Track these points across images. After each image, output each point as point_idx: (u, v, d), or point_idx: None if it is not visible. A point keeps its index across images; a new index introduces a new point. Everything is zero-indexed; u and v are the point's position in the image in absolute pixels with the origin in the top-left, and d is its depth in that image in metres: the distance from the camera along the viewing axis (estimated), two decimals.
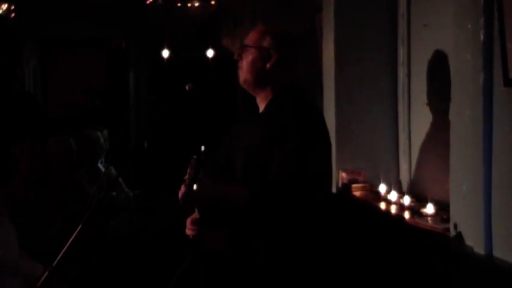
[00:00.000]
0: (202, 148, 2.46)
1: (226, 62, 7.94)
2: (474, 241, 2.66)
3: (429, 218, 3.28)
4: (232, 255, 2.52)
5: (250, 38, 2.65)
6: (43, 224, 4.22)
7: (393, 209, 3.65)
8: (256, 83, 2.61)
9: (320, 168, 2.46)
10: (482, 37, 2.59)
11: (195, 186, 2.40)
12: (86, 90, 8.94)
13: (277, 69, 2.58)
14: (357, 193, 4.06)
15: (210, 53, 7.91)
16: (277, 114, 2.52)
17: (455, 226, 2.79)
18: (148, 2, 7.91)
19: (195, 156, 2.44)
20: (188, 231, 2.58)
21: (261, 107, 2.66)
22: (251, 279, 2.50)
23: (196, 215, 2.55)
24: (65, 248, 2.36)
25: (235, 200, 2.44)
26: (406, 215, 3.47)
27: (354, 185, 4.10)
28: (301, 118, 2.46)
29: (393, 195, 3.79)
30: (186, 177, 2.44)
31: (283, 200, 2.35)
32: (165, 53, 7.98)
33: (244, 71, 2.63)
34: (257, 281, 2.49)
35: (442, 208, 3.29)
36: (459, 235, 2.75)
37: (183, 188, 2.46)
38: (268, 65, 2.58)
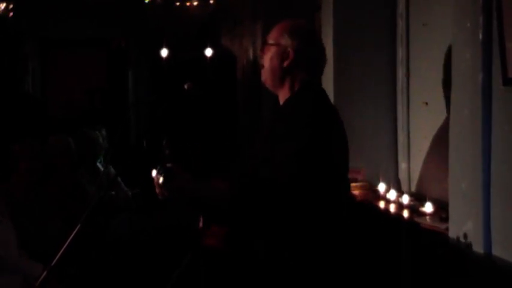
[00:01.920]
0: (164, 143, 2.46)
1: (226, 61, 7.97)
2: (473, 240, 2.66)
3: (428, 217, 3.29)
4: (232, 255, 2.51)
5: (271, 35, 2.64)
6: (43, 224, 4.22)
7: (392, 207, 3.66)
8: (275, 81, 2.61)
9: (325, 169, 2.43)
10: (481, 36, 2.59)
11: (160, 179, 2.40)
12: (86, 90, 8.95)
13: (294, 67, 2.57)
14: (356, 192, 4.06)
15: (208, 52, 7.91)
16: (289, 113, 2.52)
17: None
18: (146, 1, 7.91)
19: (160, 151, 2.45)
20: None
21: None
22: (251, 279, 2.50)
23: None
24: (64, 248, 2.36)
25: (216, 198, 2.43)
26: (405, 213, 3.48)
27: (353, 184, 4.09)
28: (308, 118, 2.45)
29: (392, 194, 3.80)
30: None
31: (266, 199, 2.34)
32: (164, 53, 7.98)
33: (264, 69, 2.63)
34: (257, 281, 2.49)
35: (441, 207, 3.29)
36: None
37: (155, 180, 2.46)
38: (285, 64, 2.57)
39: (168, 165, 2.43)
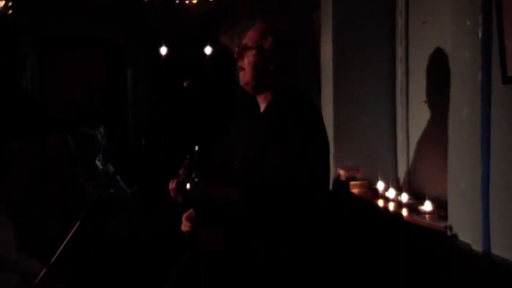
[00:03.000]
0: (196, 148, 2.46)
1: (225, 60, 7.97)
2: (472, 238, 2.66)
3: (427, 216, 3.28)
4: (232, 255, 2.51)
5: (251, 37, 2.60)
6: (42, 223, 4.22)
7: (391, 206, 3.66)
8: (257, 85, 2.59)
9: (316, 169, 2.45)
10: (480, 34, 2.59)
11: (188, 186, 2.40)
12: (85, 89, 8.95)
13: (278, 71, 2.56)
14: (355, 190, 4.06)
15: (207, 50, 7.90)
16: (276, 115, 2.51)
17: (450, 228, 2.80)
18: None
19: (188, 156, 2.45)
20: (183, 227, 2.58)
21: (262, 107, 2.64)
22: (251, 279, 2.50)
23: (191, 211, 2.56)
24: (62, 246, 2.36)
25: (226, 201, 2.43)
26: (404, 212, 3.48)
27: (352, 182, 4.10)
28: (298, 119, 2.45)
29: (391, 193, 3.79)
30: (180, 176, 2.45)
31: (275, 200, 2.34)
32: (163, 51, 7.97)
33: (245, 72, 2.60)
34: (257, 281, 2.49)
35: (440, 205, 3.29)
36: (454, 236, 2.76)
37: (173, 186, 2.46)
38: (270, 67, 2.56)
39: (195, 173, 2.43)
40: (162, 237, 4.88)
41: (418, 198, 3.66)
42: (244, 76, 2.60)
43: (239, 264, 2.51)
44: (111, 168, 5.49)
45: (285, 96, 2.56)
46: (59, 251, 2.36)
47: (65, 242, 2.35)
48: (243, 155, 2.55)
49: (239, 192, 2.39)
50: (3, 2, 6.62)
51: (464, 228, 2.73)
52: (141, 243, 4.86)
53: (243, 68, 2.61)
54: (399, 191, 3.84)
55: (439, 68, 3.59)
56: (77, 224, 2.34)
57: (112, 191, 5.31)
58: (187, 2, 7.94)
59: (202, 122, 7.76)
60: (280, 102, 2.55)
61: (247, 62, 2.58)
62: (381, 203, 3.76)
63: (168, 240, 4.74)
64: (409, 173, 4.09)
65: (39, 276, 2.51)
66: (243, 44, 2.63)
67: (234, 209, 2.41)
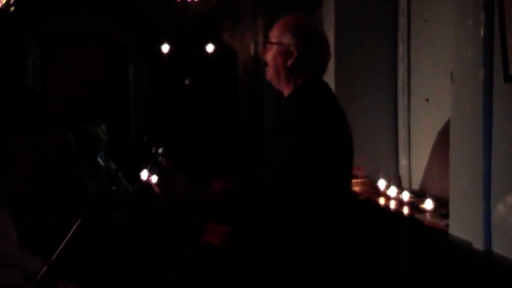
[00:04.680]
0: (155, 148, 2.44)
1: (227, 57, 7.95)
2: (473, 237, 2.66)
3: (428, 214, 3.29)
4: (233, 253, 2.51)
5: (273, 33, 2.63)
6: (39, 215, 4.23)
7: (392, 204, 3.66)
8: (279, 79, 2.60)
9: (319, 172, 2.43)
10: (482, 33, 2.59)
11: (154, 178, 2.37)
12: (86, 84, 8.95)
13: (297, 66, 2.56)
14: (356, 188, 4.06)
15: (209, 48, 7.89)
16: (290, 111, 2.51)
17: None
18: None
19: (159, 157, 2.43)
20: None
21: None
22: (253, 277, 2.50)
23: None
24: (64, 243, 2.36)
25: (211, 203, 2.42)
26: (405, 210, 3.48)
27: (354, 180, 4.09)
28: (308, 119, 2.44)
29: (392, 191, 3.80)
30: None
31: (265, 201, 2.33)
32: (165, 48, 7.97)
33: (269, 67, 2.63)
34: (259, 279, 2.49)
35: (441, 204, 3.30)
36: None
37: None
38: (288, 63, 2.56)
39: (160, 163, 2.41)
40: (161, 230, 4.89)
41: (419, 196, 3.67)
42: (268, 71, 2.62)
43: (239, 261, 2.51)
44: (113, 165, 5.50)
45: (302, 93, 2.56)
46: (59, 249, 2.37)
47: (66, 240, 2.35)
48: (263, 152, 2.57)
49: (220, 197, 2.39)
50: None
51: (466, 226, 2.73)
52: (140, 236, 4.87)
53: (267, 64, 2.63)
54: (400, 189, 3.84)
55: (440, 66, 3.59)
56: (78, 222, 2.34)
57: (114, 188, 5.32)
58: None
59: (203, 119, 7.75)
60: (296, 99, 2.55)
61: (269, 57, 2.61)
62: (382, 201, 3.77)
63: (168, 233, 4.75)
64: (411, 171, 4.09)
65: (40, 274, 2.51)
66: (267, 39, 2.65)
67: (217, 207, 2.40)
